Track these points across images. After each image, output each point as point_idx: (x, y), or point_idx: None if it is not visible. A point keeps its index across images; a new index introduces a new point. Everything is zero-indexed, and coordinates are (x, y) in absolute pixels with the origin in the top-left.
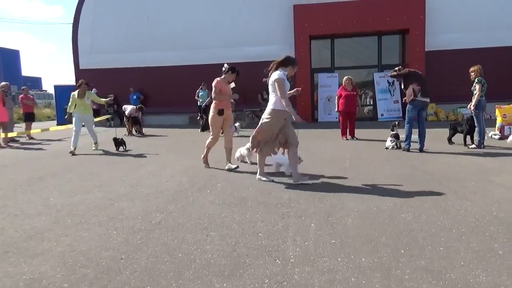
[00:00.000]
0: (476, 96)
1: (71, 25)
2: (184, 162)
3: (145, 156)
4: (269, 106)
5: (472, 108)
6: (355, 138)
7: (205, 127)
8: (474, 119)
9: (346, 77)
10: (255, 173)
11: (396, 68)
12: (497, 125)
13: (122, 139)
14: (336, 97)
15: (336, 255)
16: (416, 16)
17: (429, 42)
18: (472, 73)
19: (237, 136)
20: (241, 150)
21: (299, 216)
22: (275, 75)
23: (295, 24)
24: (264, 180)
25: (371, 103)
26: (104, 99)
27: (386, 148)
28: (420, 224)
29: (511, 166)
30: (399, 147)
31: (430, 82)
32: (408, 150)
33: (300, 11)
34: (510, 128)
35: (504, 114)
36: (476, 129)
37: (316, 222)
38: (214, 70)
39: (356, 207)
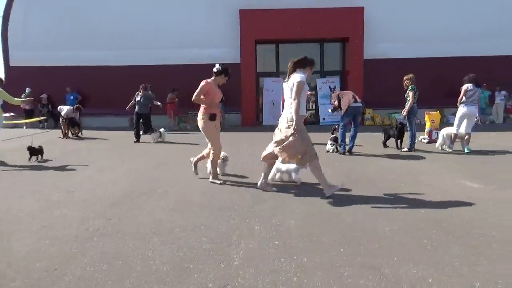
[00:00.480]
0: (409, 102)
1: (1, 18)
2: (125, 166)
3: (83, 160)
4: (290, 112)
5: (404, 113)
6: None
7: (146, 130)
8: (407, 124)
9: None
10: (201, 177)
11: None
12: (426, 130)
13: (40, 147)
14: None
15: (279, 256)
16: (356, 26)
17: (368, 51)
18: (406, 81)
19: (162, 142)
20: (285, 168)
21: (243, 218)
22: (297, 77)
23: (241, 28)
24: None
25: (314, 107)
26: (19, 99)
27: (327, 151)
28: (357, 223)
29: (438, 167)
30: (338, 150)
31: (368, 89)
32: (344, 153)
33: (245, 15)
34: (437, 132)
35: (432, 120)
36: (408, 133)
37: (259, 224)
38: (157, 71)
39: (298, 209)
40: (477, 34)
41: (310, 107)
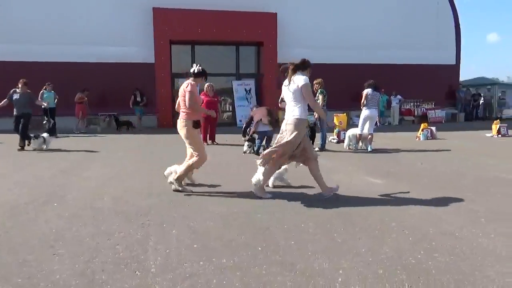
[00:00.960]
0: (321, 105)
1: None
2: (23, 172)
3: None
4: (292, 115)
5: (316, 116)
6: (215, 143)
7: (52, 130)
8: (318, 125)
9: (207, 84)
10: (112, 182)
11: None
12: (335, 131)
13: None
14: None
15: (198, 259)
16: (269, 30)
17: (282, 55)
18: (316, 85)
19: (45, 150)
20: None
21: (160, 223)
22: (300, 79)
23: (154, 27)
24: (262, 197)
25: (230, 109)
26: None
27: (244, 152)
28: (274, 222)
29: (346, 165)
30: (254, 151)
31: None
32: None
33: (159, 14)
34: (344, 133)
35: (340, 121)
36: (320, 134)
37: (177, 228)
38: (61, 69)
39: (217, 210)
40: (379, 44)
41: (227, 109)
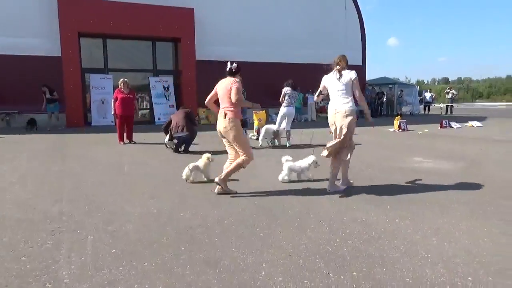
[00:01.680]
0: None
1: None
2: None
3: None
4: (349, 106)
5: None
6: (133, 142)
7: None
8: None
9: (122, 80)
10: (15, 187)
11: None
12: (254, 128)
13: None
14: (112, 100)
15: (117, 264)
16: (187, 26)
17: (200, 52)
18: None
19: None
20: (293, 167)
21: (74, 230)
22: (353, 73)
23: (60, 17)
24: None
25: (148, 106)
26: None
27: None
28: (197, 220)
29: (265, 162)
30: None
31: (202, 90)
32: (178, 152)
33: (66, 3)
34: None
35: (259, 118)
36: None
37: (93, 233)
38: None
39: (136, 212)
40: (296, 44)
41: (145, 106)
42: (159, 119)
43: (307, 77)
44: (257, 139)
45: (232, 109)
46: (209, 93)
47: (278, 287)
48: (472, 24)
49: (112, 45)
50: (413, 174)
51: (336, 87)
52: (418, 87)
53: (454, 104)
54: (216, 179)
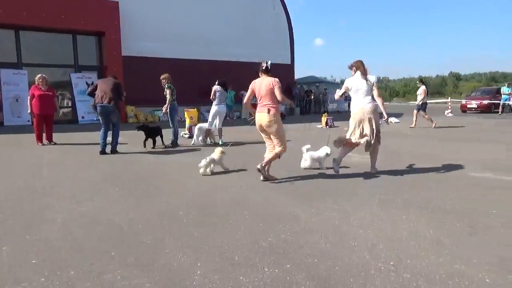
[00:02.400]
0: (168, 99)
1: None
2: None
3: None
4: (373, 103)
5: (164, 110)
6: (53, 143)
7: None
8: (169, 120)
9: (39, 75)
10: None
11: None
12: (186, 126)
13: None
14: (28, 98)
15: (39, 275)
16: (111, 20)
17: (127, 47)
18: (163, 80)
19: None
20: (313, 156)
21: None
22: (373, 77)
23: None
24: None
25: (70, 105)
26: None
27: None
28: (126, 222)
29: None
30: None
31: (129, 86)
32: (103, 153)
33: None
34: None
35: (191, 116)
36: (171, 129)
37: (9, 243)
38: None
39: (58, 217)
40: (227, 42)
41: (66, 105)
42: (82, 117)
43: (238, 75)
44: (189, 137)
45: (274, 105)
46: (139, 89)
47: (214, 285)
48: (389, 26)
49: (26, 37)
50: (340, 168)
51: (361, 88)
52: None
53: None
54: (258, 166)
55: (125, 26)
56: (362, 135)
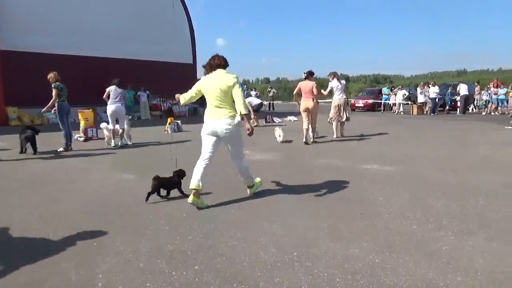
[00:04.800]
0: (52, 100)
1: None
2: None
3: None
4: (344, 96)
5: (44, 110)
6: None
7: None
8: (59, 122)
9: None
10: None
11: None
12: (81, 128)
13: None
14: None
15: None
16: None
17: (5, 42)
18: (50, 79)
19: None
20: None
21: None
22: (343, 81)
23: None
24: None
25: None
26: None
27: None
28: (16, 231)
29: (99, 163)
30: None
31: (11, 84)
32: None
33: None
34: (92, 130)
35: (86, 118)
36: (62, 132)
37: None
38: None
39: None
40: (125, 39)
41: None
42: None
43: (136, 74)
44: (84, 140)
45: (312, 96)
46: (22, 88)
47: None
48: (285, 30)
49: None
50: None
51: (338, 88)
52: (245, 86)
53: (275, 102)
54: (309, 141)
55: (5, 18)
56: (341, 115)
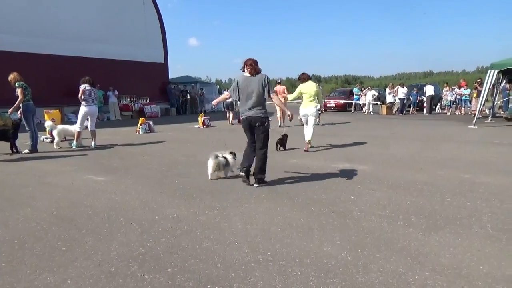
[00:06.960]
0: (18, 100)
1: None
2: None
3: None
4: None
5: (10, 111)
6: None
7: None
8: (25, 123)
9: None
10: None
11: None
12: (47, 129)
13: None
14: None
15: None
16: None
17: None
18: (11, 80)
19: None
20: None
21: None
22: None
23: None
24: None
25: None
26: None
27: None
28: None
29: (67, 165)
30: None
31: None
32: None
33: None
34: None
35: (53, 118)
36: (28, 133)
37: None
38: None
39: None
40: (93, 38)
41: None
42: None
43: (104, 73)
44: (51, 141)
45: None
46: None
47: None
48: (259, 30)
49: None
50: None
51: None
52: (218, 86)
53: None
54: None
55: None
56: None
